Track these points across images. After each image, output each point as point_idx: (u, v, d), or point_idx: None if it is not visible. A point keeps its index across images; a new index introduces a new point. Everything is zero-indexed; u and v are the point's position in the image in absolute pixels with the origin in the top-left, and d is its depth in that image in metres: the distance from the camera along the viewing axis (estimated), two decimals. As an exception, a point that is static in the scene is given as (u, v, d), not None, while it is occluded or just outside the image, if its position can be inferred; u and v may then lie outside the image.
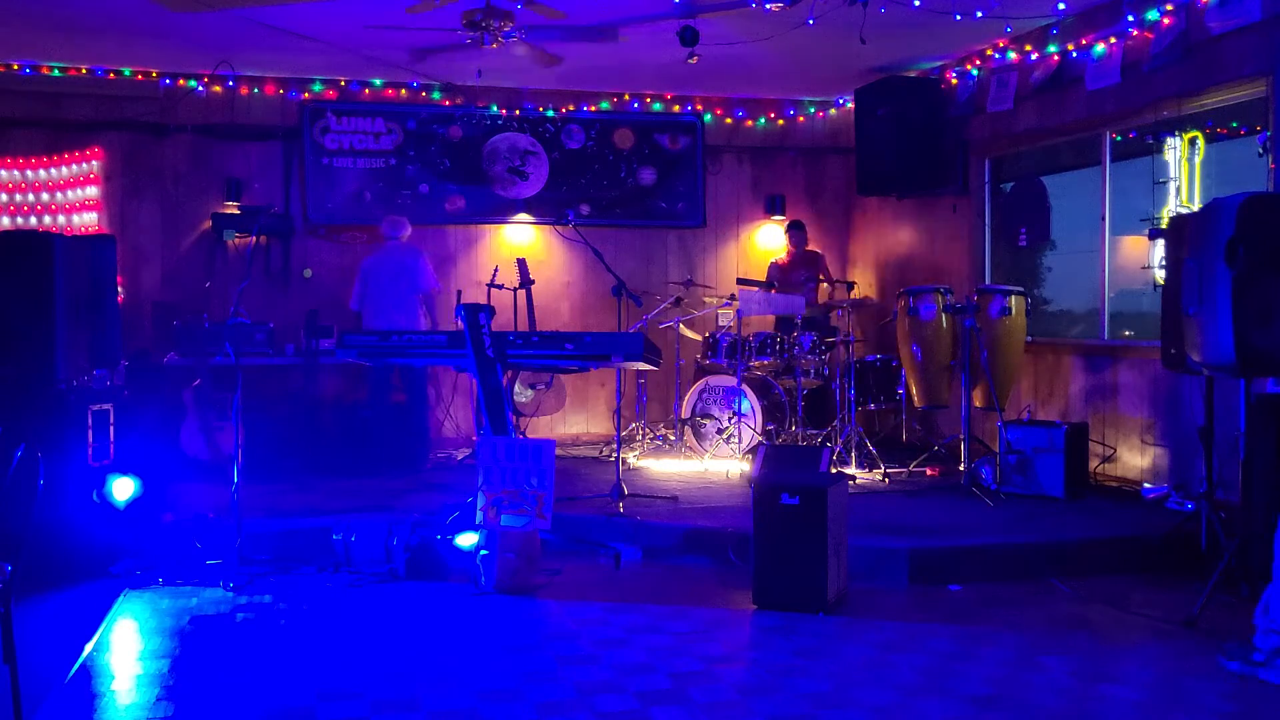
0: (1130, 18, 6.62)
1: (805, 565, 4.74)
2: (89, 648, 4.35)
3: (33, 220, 8.40)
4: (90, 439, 5.59)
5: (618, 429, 6.83)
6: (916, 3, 6.60)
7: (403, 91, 9.13)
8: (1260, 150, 5.88)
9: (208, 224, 8.73)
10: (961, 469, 7.01)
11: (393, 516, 5.69)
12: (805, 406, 7.88)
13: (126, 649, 4.39)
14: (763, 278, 9.17)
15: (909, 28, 7.25)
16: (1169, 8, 6.35)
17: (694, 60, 7.28)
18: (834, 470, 5.73)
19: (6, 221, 8.33)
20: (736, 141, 9.95)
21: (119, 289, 6.58)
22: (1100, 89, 6.95)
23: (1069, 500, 6.44)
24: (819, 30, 7.11)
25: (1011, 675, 3.99)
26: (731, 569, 5.49)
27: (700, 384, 8.03)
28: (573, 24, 7.19)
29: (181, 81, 8.66)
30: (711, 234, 9.94)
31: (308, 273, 8.94)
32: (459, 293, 8.78)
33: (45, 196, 8.47)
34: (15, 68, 8.35)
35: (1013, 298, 7.02)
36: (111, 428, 5.75)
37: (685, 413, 8.05)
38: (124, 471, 5.54)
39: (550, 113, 9.46)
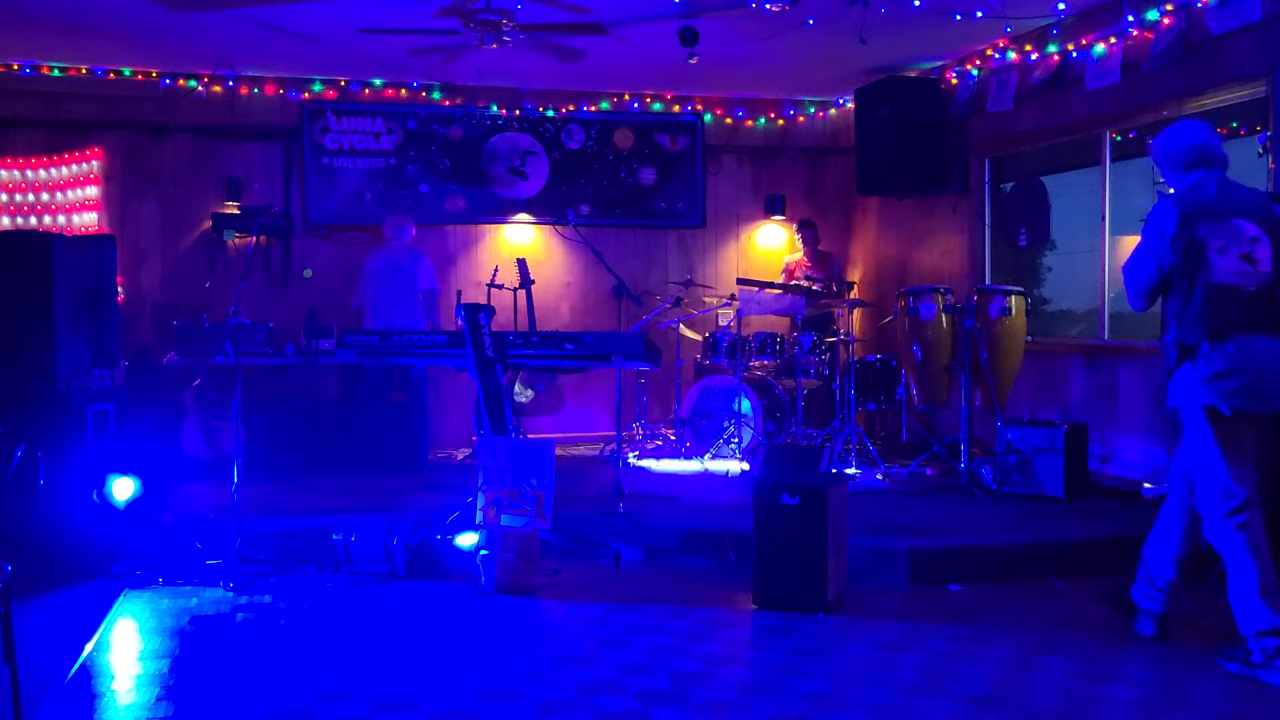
0: (1130, 18, 6.62)
1: (805, 565, 4.74)
2: (89, 648, 4.35)
3: (33, 220, 8.40)
4: (90, 439, 5.59)
5: (618, 429, 6.83)
6: (916, 3, 6.60)
7: (403, 91, 9.14)
8: (1260, 150, 5.89)
9: (208, 224, 8.74)
10: (961, 469, 7.01)
11: (393, 516, 5.69)
12: (805, 406, 7.88)
13: (126, 649, 4.39)
14: (763, 277, 9.16)
15: (909, 28, 7.26)
16: (1169, 8, 6.35)
17: (694, 60, 7.28)
18: (834, 470, 5.74)
19: (6, 221, 8.34)
20: (736, 141, 9.95)
21: (119, 289, 6.59)
22: (1100, 89, 6.95)
23: (1069, 500, 6.44)
24: (819, 30, 7.12)
25: (1011, 675, 3.99)
26: (731, 569, 5.49)
27: (700, 384, 8.03)
28: (572, 23, 7.19)
29: (181, 81, 8.66)
30: (711, 234, 9.94)
31: (308, 273, 8.94)
32: (459, 293, 8.78)
33: (45, 196, 8.47)
34: (15, 68, 8.35)
35: (1013, 298, 7.02)
36: (111, 428, 5.75)
37: (685, 413, 8.05)
38: (124, 471, 5.54)
39: (550, 113, 9.46)
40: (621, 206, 9.67)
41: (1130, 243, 7.23)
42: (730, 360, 7.93)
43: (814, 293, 8.36)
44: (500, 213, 9.44)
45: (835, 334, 8.00)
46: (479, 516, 5.20)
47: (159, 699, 3.77)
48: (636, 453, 8.11)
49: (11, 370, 5.40)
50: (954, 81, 8.44)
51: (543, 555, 5.52)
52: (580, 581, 5.38)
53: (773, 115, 9.94)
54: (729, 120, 9.86)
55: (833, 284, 8.99)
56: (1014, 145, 8.06)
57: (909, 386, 7.70)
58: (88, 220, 8.48)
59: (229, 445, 6.89)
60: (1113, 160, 7.21)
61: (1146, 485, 6.58)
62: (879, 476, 7.19)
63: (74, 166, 8.51)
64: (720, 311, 8.83)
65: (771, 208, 9.92)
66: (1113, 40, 6.81)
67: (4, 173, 8.36)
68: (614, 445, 7.10)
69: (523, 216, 9.47)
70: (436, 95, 9.18)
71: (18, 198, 8.40)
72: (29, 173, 8.43)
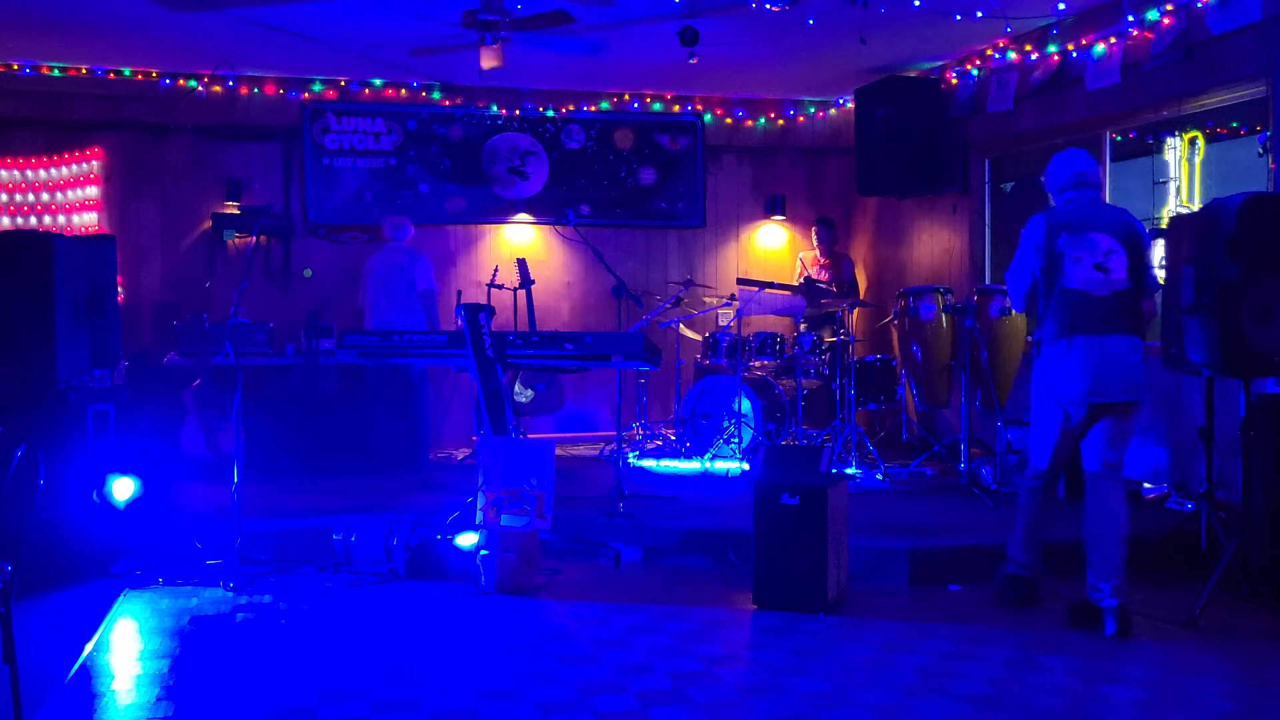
0: (1130, 18, 6.62)
1: (805, 565, 4.74)
2: (89, 648, 4.35)
3: (33, 220, 8.40)
4: (90, 439, 5.59)
5: (618, 429, 6.83)
6: (916, 3, 6.60)
7: (403, 91, 9.13)
8: (1260, 150, 5.89)
9: (208, 224, 8.73)
10: (961, 469, 7.01)
11: (393, 516, 5.69)
12: (805, 406, 7.87)
13: (126, 649, 4.40)
14: (763, 277, 9.14)
15: (909, 28, 7.26)
16: (1169, 8, 6.35)
17: (694, 60, 7.28)
18: (834, 470, 5.73)
19: (6, 221, 8.33)
20: (736, 141, 9.95)
21: (119, 289, 6.58)
22: (1100, 89, 6.95)
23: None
24: (819, 30, 7.12)
25: (1011, 675, 3.99)
26: (731, 569, 5.49)
27: (700, 384, 8.02)
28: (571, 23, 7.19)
29: (181, 81, 8.66)
30: (711, 234, 9.94)
31: (308, 273, 8.94)
32: (459, 293, 8.78)
33: (45, 196, 8.47)
34: (15, 68, 8.34)
35: (1013, 298, 7.02)
36: (111, 428, 5.75)
37: (685, 413, 8.05)
38: (124, 471, 5.54)
39: (550, 113, 9.46)
40: (621, 206, 9.67)
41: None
42: (730, 360, 7.93)
43: (816, 293, 8.36)
44: (500, 213, 9.44)
45: (836, 334, 8.00)
46: (479, 516, 5.19)
47: (159, 699, 3.77)
48: (636, 453, 8.11)
49: (11, 370, 5.39)
50: (954, 81, 8.44)
51: (543, 555, 5.52)
52: (580, 581, 5.38)
53: (773, 115, 9.94)
54: (729, 120, 9.86)
55: (841, 285, 8.98)
56: (1014, 145, 8.06)
57: (909, 386, 7.71)
58: (88, 220, 8.48)
59: (229, 445, 6.89)
60: (1113, 160, 7.20)
61: (1146, 485, 6.58)
62: (879, 476, 7.19)
63: (74, 166, 8.51)
64: (720, 311, 8.83)
65: (771, 208, 9.92)
66: (1113, 40, 6.81)
67: (4, 173, 8.36)
68: (614, 445, 7.10)
69: (523, 216, 9.47)
70: (436, 95, 9.17)
71: (18, 198, 8.39)
72: (29, 173, 8.43)
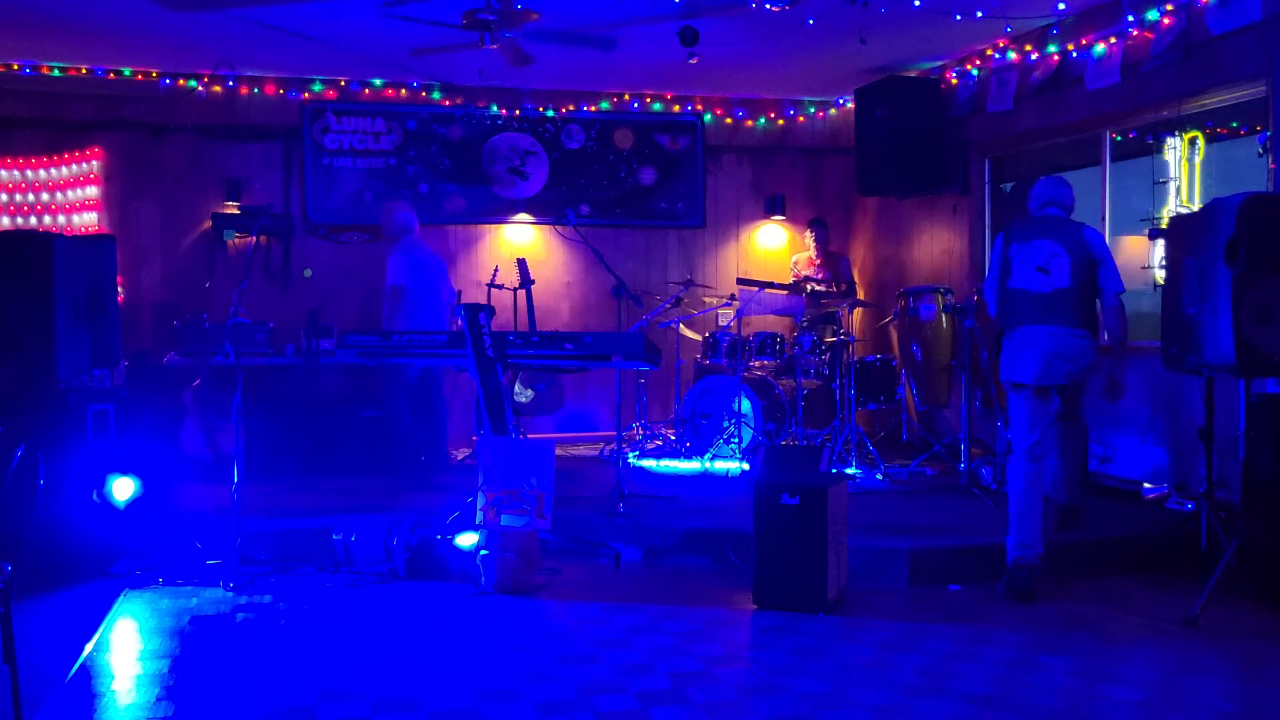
0: (1130, 18, 6.62)
1: (805, 565, 4.74)
2: (89, 648, 4.35)
3: (33, 220, 8.40)
4: (90, 439, 5.59)
5: (618, 429, 6.83)
6: (917, 3, 6.60)
7: (403, 91, 9.13)
8: (1260, 150, 5.88)
9: (208, 224, 8.73)
10: (961, 469, 7.01)
11: (393, 516, 5.69)
12: (805, 406, 7.87)
13: (126, 649, 4.40)
14: (763, 277, 9.15)
15: (909, 28, 7.25)
16: (1169, 8, 6.35)
17: (694, 60, 7.28)
18: (834, 470, 5.73)
19: (6, 221, 8.33)
20: (736, 141, 9.95)
21: (119, 289, 6.58)
22: (1100, 89, 6.95)
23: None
24: (819, 30, 7.11)
25: (1011, 675, 3.99)
26: (731, 569, 5.49)
27: (700, 384, 8.02)
28: (572, 24, 7.19)
29: (181, 81, 8.66)
30: (711, 234, 9.94)
31: (308, 273, 8.94)
32: (459, 293, 8.77)
33: (45, 196, 8.47)
34: (15, 68, 8.34)
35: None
36: (111, 428, 5.75)
37: (685, 413, 8.05)
38: (124, 471, 5.54)
39: (550, 113, 9.46)
40: (621, 206, 9.67)
41: (1131, 242, 7.28)
42: (730, 360, 7.93)
43: (816, 293, 8.36)
44: (500, 213, 9.44)
45: (836, 334, 8.00)
46: (479, 516, 5.19)
47: (159, 699, 3.77)
48: (636, 453, 8.10)
49: (11, 370, 5.39)
50: (954, 81, 8.44)
51: (543, 555, 5.52)
52: (580, 581, 5.38)
53: (773, 115, 9.93)
54: (729, 120, 9.86)
55: (839, 284, 8.97)
56: (1014, 145, 8.05)
57: (909, 386, 7.70)
58: (88, 220, 8.48)
59: (229, 445, 6.89)
60: (1113, 160, 7.20)
61: (1146, 485, 6.58)
62: (879, 476, 7.19)
63: (74, 166, 8.51)
64: (720, 311, 8.83)
65: (771, 208, 9.92)
66: (1113, 40, 6.81)
67: (4, 173, 8.36)
68: (614, 445, 7.10)
69: (523, 216, 9.47)
70: (436, 95, 9.17)
71: (18, 198, 8.39)
72: (29, 173, 8.43)
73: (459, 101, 9.22)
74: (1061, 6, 6.88)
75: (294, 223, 8.93)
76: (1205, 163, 6.66)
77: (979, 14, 6.85)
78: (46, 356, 5.40)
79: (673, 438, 8.33)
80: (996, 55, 7.88)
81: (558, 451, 5.81)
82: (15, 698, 3.28)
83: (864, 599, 4.99)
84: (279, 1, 6.76)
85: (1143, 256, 6.88)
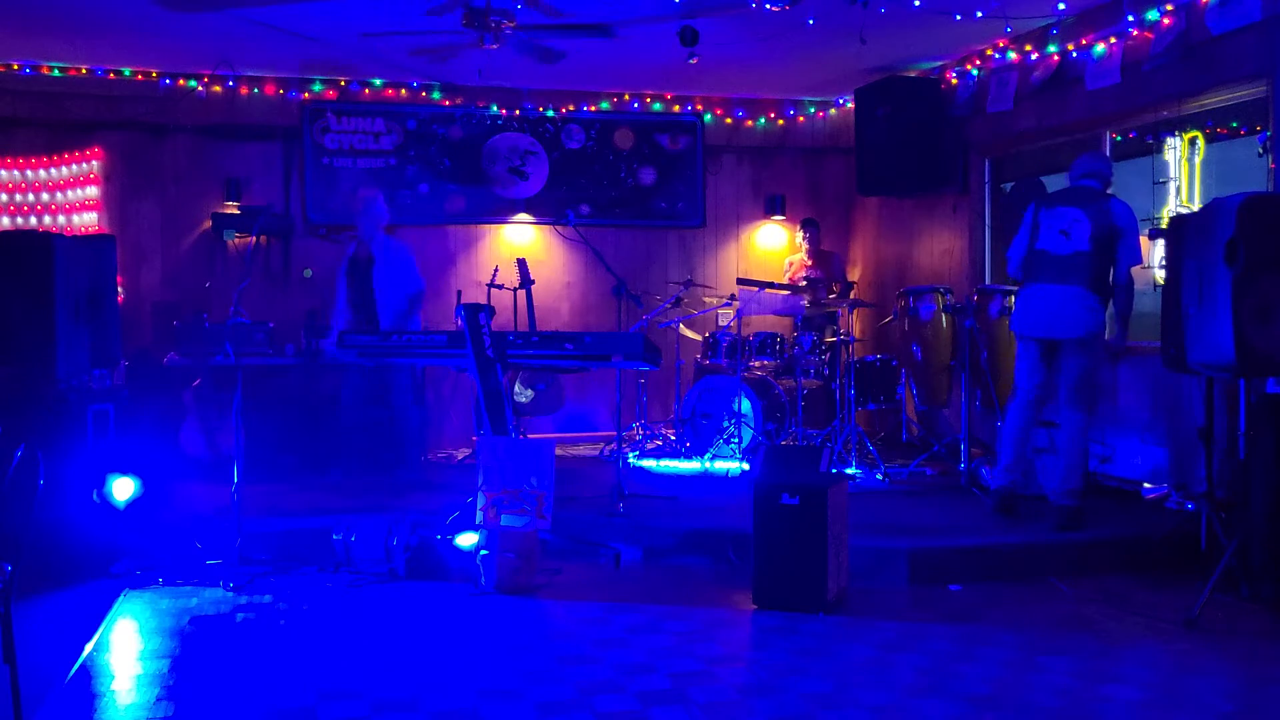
0: (1130, 18, 6.62)
1: (805, 565, 4.74)
2: (89, 648, 4.35)
3: (33, 220, 8.40)
4: (90, 439, 5.59)
5: (618, 429, 6.83)
6: (917, 3, 6.60)
7: (403, 91, 9.13)
8: (1260, 150, 5.89)
9: (208, 224, 8.73)
10: (961, 469, 7.01)
11: (393, 516, 5.69)
12: (805, 406, 7.87)
13: (126, 649, 4.39)
14: (763, 277, 9.15)
15: (909, 28, 7.25)
16: (1169, 8, 6.35)
17: (694, 60, 7.28)
18: (834, 470, 5.73)
19: (6, 221, 8.33)
20: (736, 141, 9.95)
21: (119, 289, 6.58)
22: (1100, 89, 6.95)
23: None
24: (819, 30, 7.11)
25: (1011, 675, 3.99)
26: (731, 569, 5.49)
27: (700, 384, 8.02)
28: (571, 24, 7.19)
29: (181, 81, 8.66)
30: (711, 234, 9.94)
31: (308, 273, 8.93)
32: (459, 293, 8.78)
33: (45, 196, 8.47)
34: (15, 68, 8.34)
35: (1012, 298, 7.01)
36: (111, 428, 5.75)
37: (685, 413, 8.05)
38: (124, 471, 5.54)
39: (550, 113, 9.46)
40: (621, 206, 9.67)
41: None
42: (730, 360, 7.93)
43: (816, 294, 8.36)
44: (500, 213, 9.44)
45: (836, 334, 8.00)
46: (479, 516, 5.19)
47: (159, 699, 3.77)
48: (636, 453, 8.10)
49: (11, 370, 5.39)
50: (954, 81, 8.44)
51: (543, 555, 5.52)
52: (580, 581, 5.38)
53: (773, 115, 9.93)
54: (729, 120, 9.86)
55: (835, 283, 8.98)
56: (1014, 145, 8.05)
57: (909, 386, 7.70)
58: (88, 220, 8.48)
59: (229, 445, 6.89)
60: (1113, 160, 7.19)
61: (1146, 485, 6.58)
62: (879, 476, 7.19)
63: (74, 166, 8.51)
64: (720, 311, 8.83)
65: (771, 208, 9.92)
66: (1113, 40, 6.81)
67: (4, 173, 8.36)
68: (614, 445, 7.10)
69: (523, 216, 9.47)
70: (436, 95, 9.17)
71: (18, 198, 8.39)
72: (29, 173, 8.43)
73: (459, 101, 9.22)
74: (1061, 6, 6.89)
75: (294, 223, 8.93)
76: (1205, 163, 6.66)
77: (979, 14, 6.85)
78: (46, 356, 5.40)
79: (673, 438, 8.33)
80: (996, 55, 7.89)
81: (558, 451, 5.81)
82: (15, 698, 3.27)
83: (864, 599, 4.99)
84: (279, 1, 6.76)
85: (1143, 256, 6.87)
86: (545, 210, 9.41)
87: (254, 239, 8.29)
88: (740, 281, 8.00)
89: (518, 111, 9.38)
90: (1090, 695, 3.79)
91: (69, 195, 8.49)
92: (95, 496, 5.45)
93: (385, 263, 7.14)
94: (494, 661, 4.18)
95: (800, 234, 9.26)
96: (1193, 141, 6.65)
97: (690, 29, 6.96)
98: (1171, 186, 6.65)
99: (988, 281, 8.21)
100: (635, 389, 8.52)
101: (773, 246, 9.98)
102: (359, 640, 4.46)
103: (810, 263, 9.13)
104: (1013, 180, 8.35)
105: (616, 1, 6.77)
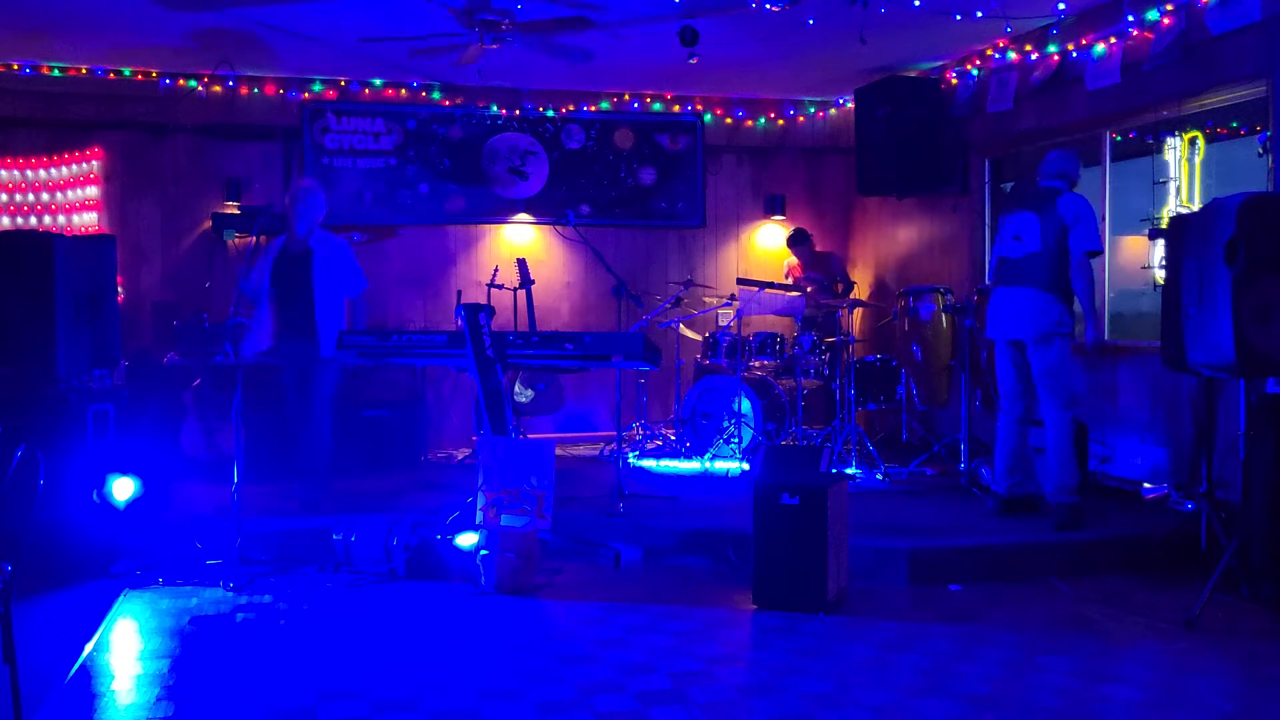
0: (1130, 18, 6.62)
1: (805, 565, 4.74)
2: (89, 648, 4.35)
3: (33, 220, 8.40)
4: (90, 439, 5.59)
5: (618, 429, 6.83)
6: (917, 3, 6.60)
7: (403, 91, 9.13)
8: (1260, 150, 5.89)
9: (208, 224, 8.73)
10: (961, 469, 7.01)
11: (393, 516, 5.69)
12: (805, 406, 7.87)
13: (126, 649, 4.40)
14: (763, 277, 9.14)
15: (909, 28, 7.25)
16: (1169, 8, 6.35)
17: (694, 60, 7.28)
18: (834, 470, 5.74)
19: (6, 221, 8.33)
20: (736, 141, 9.95)
21: (119, 289, 6.58)
22: (1100, 89, 6.94)
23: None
24: (819, 30, 7.11)
25: (1011, 675, 3.99)
26: (731, 569, 5.49)
27: (700, 384, 8.02)
28: (568, 17, 7.19)
29: (181, 81, 8.66)
30: (711, 234, 9.94)
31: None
32: (459, 293, 8.78)
33: (45, 196, 8.47)
34: (15, 68, 8.34)
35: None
36: (111, 428, 5.75)
37: (685, 413, 8.05)
38: (124, 471, 5.54)
39: (550, 113, 9.46)
40: (621, 206, 9.67)
41: (1131, 242, 7.27)
42: (730, 360, 7.93)
43: (816, 294, 8.36)
44: (500, 213, 9.44)
45: (836, 334, 8.00)
46: (479, 516, 5.20)
47: (159, 699, 3.77)
48: (636, 453, 8.10)
49: (12, 370, 5.39)
50: (954, 81, 8.44)
51: (543, 555, 5.52)
52: (580, 581, 5.38)
53: (773, 115, 9.93)
54: (729, 120, 9.86)
55: (836, 283, 8.97)
56: (1014, 145, 8.05)
57: (909, 386, 7.70)
58: (88, 220, 8.48)
59: (229, 445, 6.88)
60: (1113, 160, 7.20)
61: (1146, 485, 6.58)
62: (879, 476, 7.19)
63: (74, 166, 8.51)
64: (720, 311, 8.83)
65: (771, 208, 9.92)
66: (1113, 40, 6.81)
67: (4, 173, 8.36)
68: (614, 445, 7.10)
69: (523, 216, 9.47)
70: (436, 95, 9.17)
71: (18, 198, 8.39)
72: (29, 173, 8.43)
73: (459, 101, 9.22)
74: (1061, 6, 6.88)
75: (294, 223, 8.91)
76: (1205, 163, 6.66)
77: (979, 14, 6.85)
78: (46, 356, 5.40)
79: (673, 438, 8.33)
80: (996, 55, 7.88)
81: (558, 451, 5.81)
82: (15, 698, 3.27)
83: (864, 599, 4.99)
84: (279, 1, 6.76)
85: (1143, 256, 6.88)
86: (545, 210, 9.41)
87: (254, 239, 8.27)
88: (740, 281, 8.00)
89: (518, 111, 9.38)
90: (1090, 695, 3.79)
91: (69, 195, 8.49)
92: (95, 496, 5.44)
93: (327, 259, 6.51)
94: (494, 661, 4.18)
95: (791, 251, 9.20)
96: (1193, 141, 6.65)
97: (690, 29, 6.96)
98: (1171, 186, 6.65)
99: (988, 282, 8.20)
100: (635, 389, 8.52)
101: (773, 246, 9.97)
102: (359, 640, 4.46)
103: (807, 267, 9.12)
104: (1013, 180, 8.35)
105: (617, 1, 6.76)
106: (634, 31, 7.41)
